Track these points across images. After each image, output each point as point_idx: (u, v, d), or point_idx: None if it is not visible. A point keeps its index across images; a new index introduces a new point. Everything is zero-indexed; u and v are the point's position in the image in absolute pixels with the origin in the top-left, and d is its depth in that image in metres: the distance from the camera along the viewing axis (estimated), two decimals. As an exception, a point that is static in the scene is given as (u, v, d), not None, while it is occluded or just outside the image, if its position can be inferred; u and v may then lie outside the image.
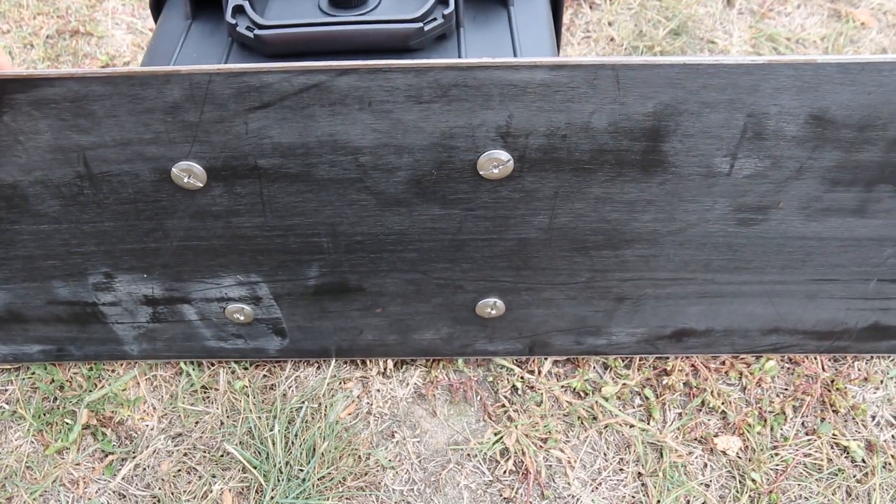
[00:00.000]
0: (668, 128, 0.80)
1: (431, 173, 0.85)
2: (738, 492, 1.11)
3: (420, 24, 0.93)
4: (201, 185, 0.85)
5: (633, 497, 1.11)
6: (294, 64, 0.74)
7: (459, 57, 0.98)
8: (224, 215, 0.90)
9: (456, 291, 1.03)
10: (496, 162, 0.83)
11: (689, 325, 1.12)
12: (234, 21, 0.94)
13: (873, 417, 1.17)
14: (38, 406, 1.20)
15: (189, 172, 0.84)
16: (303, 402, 1.16)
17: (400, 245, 0.95)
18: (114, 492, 1.14)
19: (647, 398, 1.17)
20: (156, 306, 1.07)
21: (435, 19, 0.94)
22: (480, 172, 0.84)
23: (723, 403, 1.16)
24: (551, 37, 1.05)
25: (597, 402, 1.16)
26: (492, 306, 1.05)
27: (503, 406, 1.16)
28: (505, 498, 1.11)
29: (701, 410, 1.17)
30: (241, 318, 1.07)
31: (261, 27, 0.94)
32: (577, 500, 1.11)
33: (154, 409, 1.20)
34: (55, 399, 1.21)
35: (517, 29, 1.04)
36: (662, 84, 0.75)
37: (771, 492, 1.10)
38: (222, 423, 1.16)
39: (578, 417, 1.15)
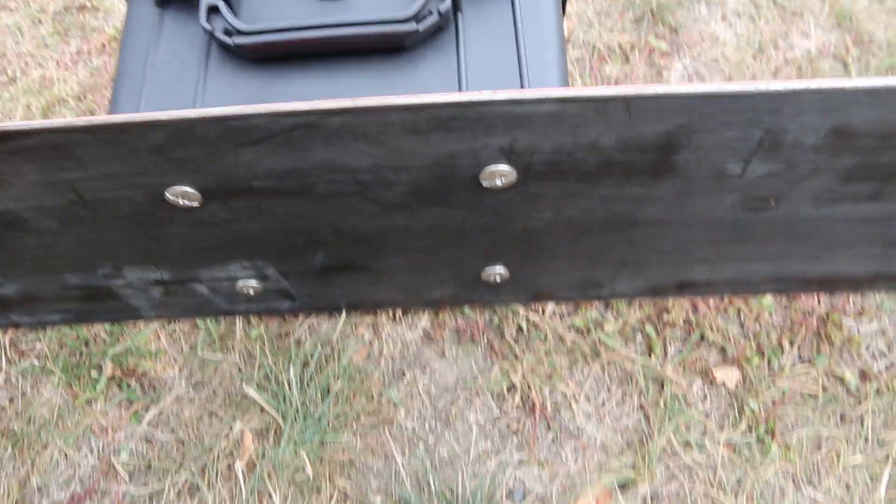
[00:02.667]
0: (680, 143, 0.77)
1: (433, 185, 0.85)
2: (736, 419, 1.15)
3: (414, 26, 0.85)
4: (197, 204, 0.83)
5: (636, 427, 1.16)
6: (280, 107, 0.70)
7: (458, 53, 0.91)
8: (224, 223, 0.90)
9: (461, 265, 1.05)
10: (499, 175, 0.81)
11: (692, 279, 1.15)
12: (209, 27, 0.86)
13: (867, 348, 1.21)
14: (65, 361, 1.26)
15: (183, 195, 0.82)
16: (316, 347, 1.21)
17: (404, 236, 0.96)
18: (141, 437, 1.20)
19: (647, 334, 1.21)
20: (167, 286, 1.09)
21: (430, 13, 0.86)
22: (483, 183, 0.82)
23: (722, 338, 1.21)
24: (557, 16, 0.97)
25: (599, 338, 1.20)
26: (497, 274, 1.07)
27: (509, 345, 1.20)
28: (513, 431, 1.15)
29: (700, 345, 1.21)
30: (251, 291, 1.09)
31: (241, 33, 0.86)
32: (583, 431, 1.16)
33: (175, 360, 1.25)
34: (81, 354, 1.27)
35: (520, 8, 0.96)
36: (677, 111, 0.72)
37: (768, 419, 1.15)
38: (240, 370, 1.22)
39: (582, 354, 1.20)
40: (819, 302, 1.24)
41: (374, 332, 1.24)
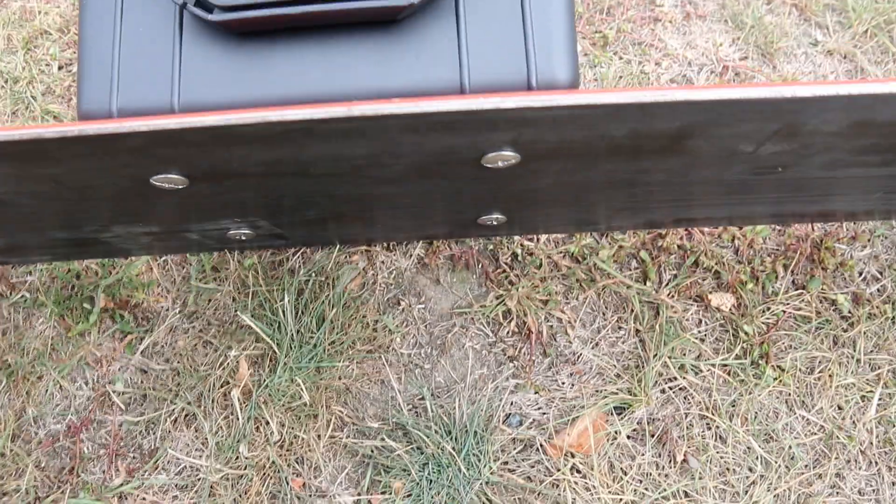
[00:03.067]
0: (694, 133, 0.74)
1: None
2: (731, 343, 1.16)
3: (412, 1, 0.77)
4: (183, 186, 0.80)
5: (632, 352, 1.16)
6: (270, 116, 0.65)
7: (458, 25, 0.82)
8: (214, 195, 0.87)
9: (458, 214, 1.03)
10: (501, 158, 0.78)
11: (690, 216, 1.14)
12: (180, 0, 0.77)
13: (860, 273, 1.21)
14: (57, 293, 1.24)
15: (168, 181, 0.78)
16: (310, 276, 1.20)
17: (400, 197, 0.94)
18: (136, 368, 1.19)
19: (643, 260, 1.21)
20: (156, 235, 1.05)
21: None
22: (485, 164, 0.79)
23: (716, 264, 1.21)
24: None
25: (595, 264, 1.20)
26: (494, 219, 1.05)
27: (504, 272, 1.20)
28: (508, 356, 1.16)
29: (695, 270, 1.21)
30: (243, 237, 1.07)
31: (219, 7, 0.77)
32: (579, 356, 1.16)
33: (168, 290, 1.24)
34: (73, 287, 1.25)
35: None
36: (695, 112, 0.69)
37: (762, 343, 1.16)
38: (234, 299, 1.21)
39: (577, 280, 1.19)
40: (813, 228, 1.24)
41: (369, 260, 1.23)
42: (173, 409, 1.15)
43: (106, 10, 0.84)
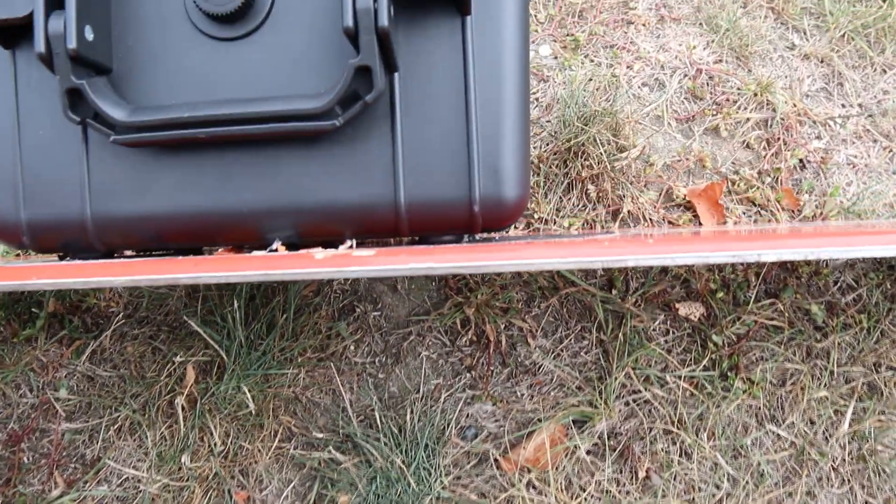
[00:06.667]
0: None
1: None
2: (699, 354, 1.11)
3: (335, 123, 0.67)
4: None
5: (595, 362, 1.11)
6: (181, 278, 0.63)
7: (393, 135, 0.72)
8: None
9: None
10: None
11: None
12: (76, 118, 0.68)
13: (836, 282, 1.16)
14: (4, 296, 1.21)
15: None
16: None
17: None
18: (82, 374, 1.15)
19: (609, 268, 1.16)
20: None
21: (356, 101, 0.67)
22: None
23: (686, 271, 1.16)
24: (519, 73, 0.73)
25: (558, 271, 1.15)
26: None
27: (463, 278, 1.16)
28: (466, 366, 1.11)
29: (663, 278, 1.16)
30: None
31: (121, 128, 0.68)
32: (539, 367, 1.11)
33: (120, 295, 1.20)
34: (22, 290, 1.22)
35: (473, 64, 0.71)
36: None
37: (732, 354, 1.11)
38: (185, 304, 1.17)
39: (539, 287, 1.15)
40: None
41: (325, 266, 1.19)
42: (117, 418, 1.11)
43: (2, 117, 0.75)
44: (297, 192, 0.72)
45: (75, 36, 0.64)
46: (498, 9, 0.71)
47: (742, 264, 1.17)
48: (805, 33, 1.33)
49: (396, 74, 0.71)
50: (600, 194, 1.20)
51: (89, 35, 0.67)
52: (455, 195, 0.71)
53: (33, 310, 1.19)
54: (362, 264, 0.62)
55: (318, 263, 0.63)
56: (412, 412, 1.08)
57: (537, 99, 1.27)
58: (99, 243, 0.76)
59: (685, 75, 1.30)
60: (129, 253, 0.86)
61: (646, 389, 1.09)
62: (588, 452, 1.06)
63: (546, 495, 1.02)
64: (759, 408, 1.08)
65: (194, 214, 0.74)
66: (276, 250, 0.74)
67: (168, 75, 0.71)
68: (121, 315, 1.18)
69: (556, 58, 1.32)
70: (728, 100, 1.27)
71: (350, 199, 0.72)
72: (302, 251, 0.70)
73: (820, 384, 1.09)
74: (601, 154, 1.19)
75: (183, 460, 1.06)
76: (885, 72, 1.28)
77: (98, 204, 0.74)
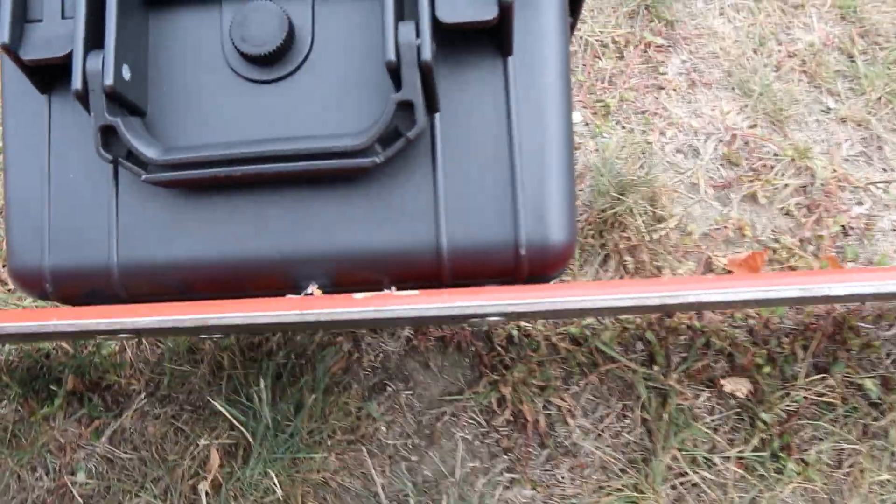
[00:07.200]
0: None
1: None
2: (747, 434, 1.06)
3: (375, 161, 0.64)
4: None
5: (639, 443, 1.06)
6: (209, 319, 0.61)
7: (434, 178, 0.69)
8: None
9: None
10: (485, 322, 0.78)
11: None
12: (109, 156, 0.66)
13: (888, 355, 1.11)
14: (22, 374, 1.17)
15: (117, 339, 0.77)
16: (290, 358, 1.12)
17: None
18: (101, 456, 1.11)
19: (649, 342, 1.12)
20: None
21: (397, 138, 0.64)
22: (467, 325, 0.80)
23: (729, 345, 1.11)
24: (563, 115, 0.71)
25: (596, 346, 1.11)
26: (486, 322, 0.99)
27: (498, 355, 1.11)
28: (503, 448, 1.06)
29: (706, 352, 1.12)
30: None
31: (155, 166, 0.66)
32: (580, 448, 1.06)
33: (141, 372, 1.16)
34: (41, 366, 1.18)
35: (516, 104, 0.69)
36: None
37: (783, 433, 1.05)
38: (209, 383, 1.13)
39: (578, 363, 1.10)
40: (834, 307, 1.15)
41: (354, 341, 1.15)
42: (137, 504, 1.06)
43: (34, 160, 0.73)
44: (334, 237, 0.69)
45: (112, 73, 0.63)
46: (540, 49, 0.69)
47: (788, 336, 1.12)
48: (840, 96, 1.30)
49: (437, 115, 0.69)
50: (638, 266, 1.16)
51: (126, 74, 0.66)
52: (500, 239, 0.68)
53: (52, 387, 1.15)
54: (405, 303, 0.59)
55: (358, 303, 0.60)
56: (448, 498, 1.03)
57: (570, 167, 1.24)
58: (124, 291, 0.72)
59: (720, 141, 1.27)
60: None
61: (693, 472, 1.03)
62: (635, 542, 1.00)
63: (592, 590, 0.96)
64: (816, 491, 1.02)
65: (225, 259, 0.70)
66: (311, 293, 0.70)
67: (203, 118, 0.70)
68: (142, 394, 1.14)
69: (586, 124, 1.30)
70: (765, 165, 1.24)
71: (389, 242, 0.69)
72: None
73: (881, 465, 1.03)
74: (639, 225, 1.15)
75: (206, 551, 1.01)
76: (926, 136, 1.25)
77: (125, 248, 0.71)
